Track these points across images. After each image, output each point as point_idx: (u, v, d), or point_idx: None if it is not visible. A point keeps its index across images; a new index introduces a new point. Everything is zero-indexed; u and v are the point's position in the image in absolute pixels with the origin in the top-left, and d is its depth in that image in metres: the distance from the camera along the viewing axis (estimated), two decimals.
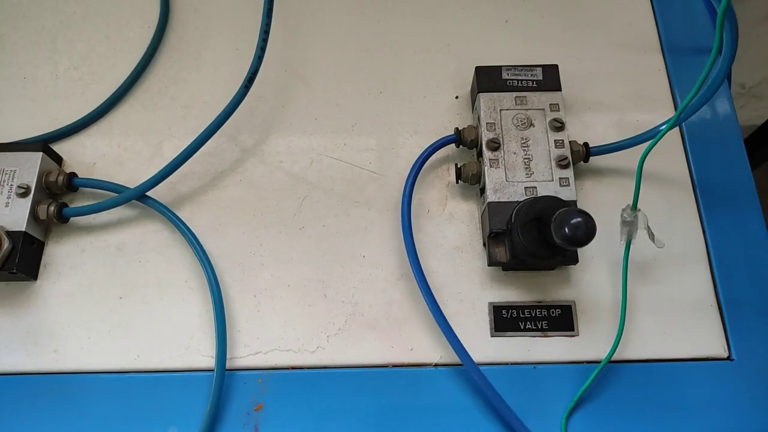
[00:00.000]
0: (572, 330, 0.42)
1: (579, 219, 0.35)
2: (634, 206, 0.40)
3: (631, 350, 0.41)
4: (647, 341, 0.41)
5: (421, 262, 0.43)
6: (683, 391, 0.40)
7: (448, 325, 0.40)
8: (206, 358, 0.41)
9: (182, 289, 0.43)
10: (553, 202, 0.39)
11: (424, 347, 0.41)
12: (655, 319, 0.42)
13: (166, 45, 0.53)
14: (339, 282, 0.44)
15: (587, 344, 0.41)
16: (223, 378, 0.40)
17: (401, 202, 0.44)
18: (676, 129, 0.48)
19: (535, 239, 0.38)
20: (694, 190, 0.47)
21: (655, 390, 0.40)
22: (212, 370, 0.40)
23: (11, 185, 0.43)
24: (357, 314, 0.43)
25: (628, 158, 0.46)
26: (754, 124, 1.06)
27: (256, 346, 0.42)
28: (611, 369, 0.40)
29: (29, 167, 0.44)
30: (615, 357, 0.40)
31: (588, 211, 0.36)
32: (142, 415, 0.40)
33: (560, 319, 0.42)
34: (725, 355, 0.41)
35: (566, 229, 0.35)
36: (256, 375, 0.41)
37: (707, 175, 0.47)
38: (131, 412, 0.40)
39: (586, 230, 0.35)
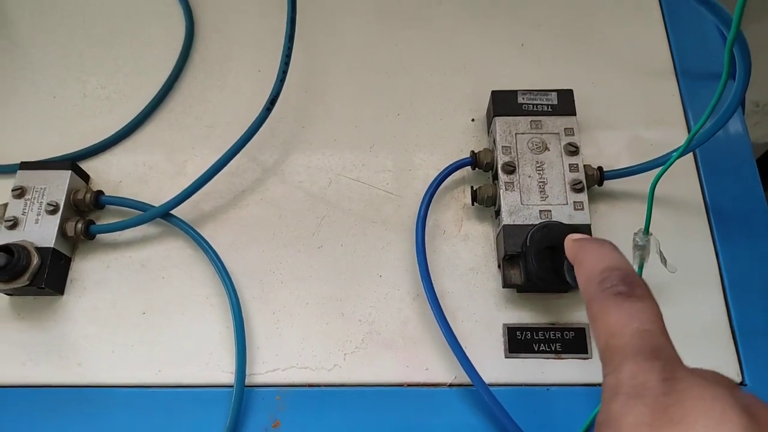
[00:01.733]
0: (586, 352, 0.43)
1: None
2: (646, 230, 0.40)
3: None
4: None
5: (436, 283, 0.43)
6: None
7: (459, 345, 0.41)
8: (226, 374, 0.42)
9: (203, 305, 0.44)
10: (566, 230, 0.40)
11: (439, 367, 0.42)
12: None
13: (191, 66, 0.54)
14: (356, 301, 0.44)
15: (600, 366, 0.42)
16: (243, 394, 0.41)
17: (416, 223, 0.45)
18: (690, 153, 0.49)
19: (548, 267, 0.39)
20: (708, 214, 0.47)
21: None
22: (231, 386, 0.41)
23: (41, 202, 0.45)
24: (373, 333, 0.43)
25: (642, 182, 0.46)
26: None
27: (275, 363, 0.43)
28: None
29: (58, 185, 0.46)
30: None
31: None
32: (162, 430, 0.41)
33: (574, 342, 0.43)
34: (739, 380, 0.41)
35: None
36: (274, 392, 0.42)
37: (720, 199, 0.48)
38: (152, 426, 0.41)
39: None
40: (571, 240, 0.30)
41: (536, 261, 0.39)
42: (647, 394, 0.21)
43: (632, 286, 0.24)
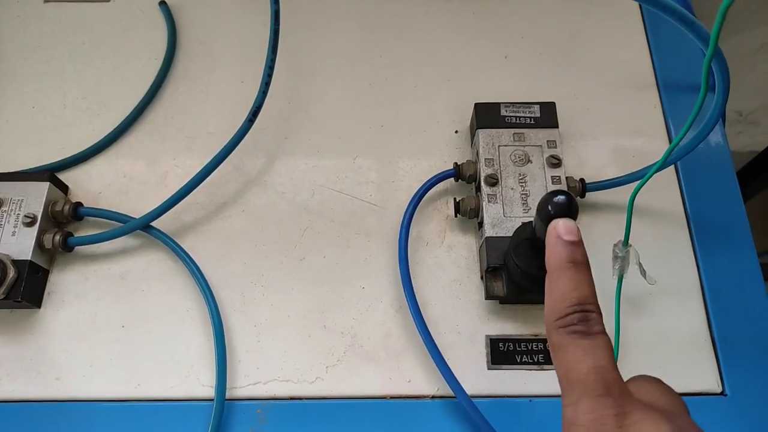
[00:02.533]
0: None
1: (562, 197, 0.32)
2: (626, 242, 0.41)
3: None
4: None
5: (419, 294, 0.43)
6: None
7: (442, 357, 0.41)
8: (206, 388, 0.42)
9: (184, 318, 0.44)
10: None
11: (422, 379, 0.42)
12: (648, 353, 0.43)
13: (173, 76, 0.54)
14: (338, 313, 0.44)
15: None
16: (223, 408, 0.40)
17: (399, 234, 0.45)
18: (671, 166, 0.49)
19: (529, 258, 0.39)
20: (689, 226, 0.47)
21: None
22: (212, 400, 0.41)
23: (18, 214, 0.44)
24: (356, 345, 0.43)
25: (624, 194, 0.46)
26: (753, 150, 1.07)
27: (256, 376, 0.42)
28: None
29: (36, 197, 0.45)
30: None
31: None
32: None
33: None
34: (719, 390, 0.42)
35: (549, 207, 0.32)
36: (255, 405, 0.41)
37: (701, 211, 0.48)
38: None
39: (569, 204, 0.31)
40: (552, 242, 0.29)
41: (516, 256, 0.39)
42: (601, 429, 0.23)
43: (589, 324, 0.26)
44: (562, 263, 0.28)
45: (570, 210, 0.31)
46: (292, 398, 0.42)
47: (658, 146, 0.51)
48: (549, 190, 0.44)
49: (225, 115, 0.52)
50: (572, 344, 0.26)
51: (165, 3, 0.57)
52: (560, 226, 0.29)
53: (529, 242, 0.39)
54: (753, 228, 0.48)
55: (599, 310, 0.27)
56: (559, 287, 0.28)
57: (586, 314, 0.27)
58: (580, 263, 0.28)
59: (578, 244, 0.29)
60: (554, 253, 0.28)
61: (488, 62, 0.55)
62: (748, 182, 1.04)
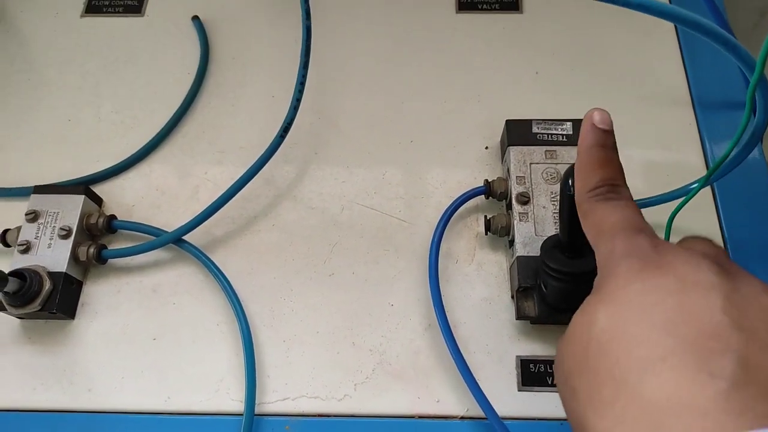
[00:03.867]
0: None
1: None
2: None
3: None
4: None
5: (448, 313, 0.43)
6: None
7: (473, 378, 0.41)
8: (235, 402, 0.42)
9: (214, 332, 0.44)
10: None
11: (451, 399, 0.42)
12: None
13: (205, 91, 0.55)
14: (367, 330, 0.44)
15: None
16: (252, 423, 0.40)
17: (429, 252, 0.45)
18: (708, 187, 0.48)
19: (557, 257, 0.38)
20: (725, 247, 0.46)
21: None
22: (241, 415, 0.41)
23: (54, 227, 0.45)
24: (384, 363, 0.43)
25: (659, 213, 0.46)
26: None
27: (284, 392, 0.42)
28: None
29: (71, 209, 0.46)
30: None
31: None
32: None
33: None
34: None
35: (570, 180, 0.33)
36: (283, 421, 0.41)
37: (738, 231, 0.47)
38: None
39: None
40: (586, 128, 0.30)
41: (545, 258, 0.38)
42: (637, 252, 0.25)
43: (620, 191, 0.28)
44: (593, 145, 0.29)
45: None
46: (320, 415, 0.41)
47: (693, 164, 0.50)
48: None
49: (256, 129, 0.52)
50: (602, 205, 0.28)
51: (198, 18, 0.58)
52: (596, 115, 0.31)
53: (555, 247, 0.38)
54: None
55: (627, 186, 0.29)
56: (589, 165, 0.29)
57: (615, 186, 0.28)
58: (610, 147, 0.30)
59: (610, 133, 0.30)
60: (586, 138, 0.30)
61: (519, 78, 0.54)
62: None
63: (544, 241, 0.40)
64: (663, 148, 0.51)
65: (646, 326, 0.22)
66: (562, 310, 0.40)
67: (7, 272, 0.40)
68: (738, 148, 0.40)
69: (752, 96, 0.31)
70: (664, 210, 0.42)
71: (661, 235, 0.41)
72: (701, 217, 0.47)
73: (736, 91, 0.53)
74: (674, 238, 0.44)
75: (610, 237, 0.27)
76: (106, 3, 0.60)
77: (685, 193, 0.40)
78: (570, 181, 0.32)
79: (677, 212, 0.40)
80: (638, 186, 0.49)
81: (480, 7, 0.58)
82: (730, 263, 0.25)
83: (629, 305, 0.23)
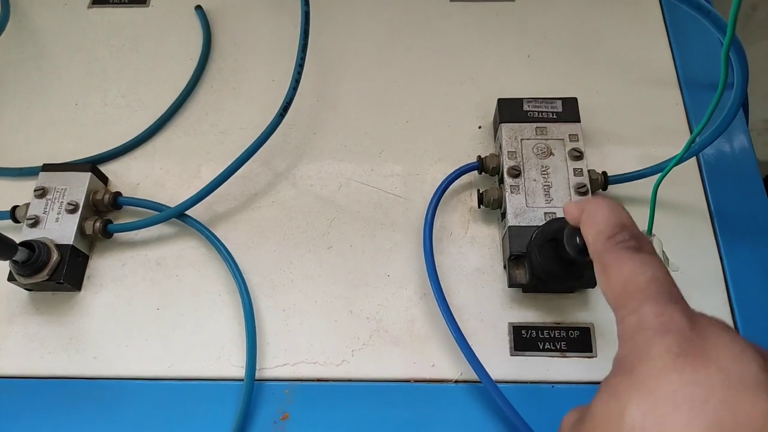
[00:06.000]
0: (590, 351, 0.43)
1: None
2: (649, 231, 0.41)
3: None
4: None
5: (443, 283, 0.44)
6: None
7: (467, 343, 0.42)
8: (236, 368, 0.43)
9: (216, 302, 0.46)
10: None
11: (446, 364, 0.43)
12: None
13: (208, 76, 0.57)
14: (364, 299, 0.45)
15: (605, 365, 0.42)
16: (252, 387, 0.42)
17: (424, 225, 0.46)
18: (693, 160, 0.50)
19: (553, 258, 0.39)
20: (712, 220, 0.48)
21: None
22: (242, 380, 0.42)
23: (62, 202, 0.47)
24: (381, 330, 0.44)
25: (646, 187, 0.47)
26: None
27: (284, 358, 0.44)
28: None
29: (78, 186, 0.47)
30: None
31: None
32: (174, 421, 0.41)
33: (579, 341, 0.43)
34: None
35: (577, 239, 0.35)
36: (283, 386, 0.42)
37: (724, 205, 0.48)
38: (164, 417, 0.42)
39: None
40: (572, 204, 0.30)
41: (540, 254, 0.40)
42: (674, 329, 0.22)
43: (641, 242, 0.26)
44: (588, 203, 0.29)
45: None
46: (318, 380, 0.43)
47: (680, 142, 0.51)
48: (571, 183, 0.45)
49: (256, 111, 0.54)
50: (628, 258, 0.25)
51: (201, 7, 0.60)
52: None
53: (553, 243, 0.40)
54: None
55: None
56: (600, 215, 0.27)
57: (634, 232, 0.26)
58: (607, 199, 0.29)
59: None
60: (573, 208, 0.30)
61: (511, 61, 0.56)
62: None
63: (542, 230, 0.41)
64: (651, 127, 0.52)
65: (687, 429, 0.20)
66: (551, 274, 0.41)
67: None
68: (718, 119, 0.41)
69: (726, 59, 0.32)
70: (652, 183, 0.43)
71: (647, 208, 0.42)
72: (687, 190, 0.49)
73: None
74: (661, 210, 0.46)
75: (639, 303, 0.24)
76: None
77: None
78: (577, 239, 0.32)
79: (659, 183, 0.41)
80: (629, 165, 0.50)
81: None
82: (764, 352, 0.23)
83: (667, 400, 0.21)
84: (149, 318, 0.45)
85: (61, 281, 0.44)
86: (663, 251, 0.42)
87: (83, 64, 0.58)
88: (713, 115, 0.36)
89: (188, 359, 0.44)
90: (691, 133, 0.52)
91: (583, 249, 0.35)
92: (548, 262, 0.39)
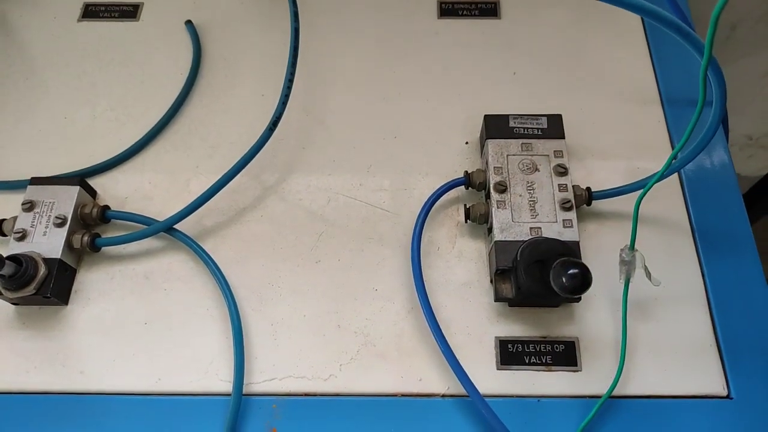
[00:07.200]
0: (575, 365, 0.44)
1: (576, 270, 0.37)
2: (632, 246, 0.42)
3: (632, 386, 0.43)
4: (648, 378, 0.43)
5: (430, 297, 0.45)
6: (682, 427, 0.41)
7: (455, 357, 0.42)
8: (224, 383, 0.43)
9: (204, 316, 0.46)
10: (555, 245, 0.42)
11: (433, 378, 0.43)
12: (655, 356, 0.44)
13: (197, 90, 0.57)
14: (352, 313, 0.46)
15: (589, 379, 0.43)
16: (240, 402, 0.42)
17: (411, 240, 0.47)
18: (675, 176, 0.51)
19: (538, 279, 0.40)
20: (693, 235, 0.49)
21: (655, 425, 0.41)
22: (229, 395, 0.42)
23: (49, 215, 0.47)
24: (369, 344, 0.45)
25: (629, 203, 0.48)
26: (764, 174, 1.08)
27: (272, 373, 0.44)
28: (612, 404, 0.42)
29: (66, 200, 0.48)
30: (616, 392, 0.41)
31: (590, 258, 0.38)
32: None
33: (564, 355, 0.44)
34: (724, 393, 0.42)
35: (564, 279, 0.37)
36: (270, 400, 0.43)
37: (705, 221, 0.49)
38: None
39: (582, 281, 0.37)
40: None
41: (526, 274, 0.41)
42: None
43: None
44: None
45: (584, 287, 0.37)
46: (306, 394, 0.43)
47: (663, 158, 0.52)
48: (556, 199, 0.46)
49: (245, 126, 0.54)
50: None
51: (191, 22, 0.60)
52: None
53: (539, 265, 0.41)
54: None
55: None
56: None
57: None
58: None
59: None
60: None
61: (497, 78, 0.57)
62: (756, 204, 1.05)
63: (529, 251, 0.42)
64: (634, 144, 0.53)
65: None
66: (536, 294, 0.42)
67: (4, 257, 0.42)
68: (698, 136, 0.42)
69: (704, 79, 0.33)
70: (632, 199, 0.44)
71: (630, 223, 0.43)
72: (669, 205, 0.50)
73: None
74: (643, 226, 0.47)
75: None
76: (103, 8, 0.62)
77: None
78: (563, 279, 0.36)
79: (641, 198, 0.42)
80: (612, 180, 0.51)
81: (460, 13, 0.61)
82: None
83: None
84: (137, 332, 0.45)
85: (48, 295, 0.44)
86: (645, 266, 0.43)
87: (72, 77, 0.58)
88: (693, 132, 0.37)
89: (176, 374, 0.44)
90: (672, 149, 0.53)
91: (570, 289, 0.37)
92: (534, 283, 0.40)
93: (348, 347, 0.44)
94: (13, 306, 0.46)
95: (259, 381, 0.43)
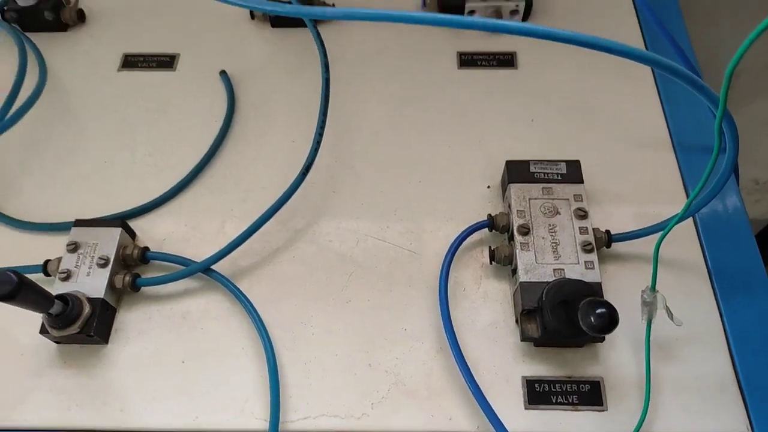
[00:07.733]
0: (601, 405, 0.45)
1: (603, 310, 0.39)
2: (653, 287, 0.44)
3: (658, 425, 0.44)
4: (672, 417, 0.44)
5: (458, 337, 0.46)
6: None
7: (484, 397, 0.44)
8: (259, 421, 0.45)
9: (240, 355, 0.47)
10: (580, 286, 0.43)
11: (463, 417, 0.44)
12: (678, 395, 0.45)
13: (231, 137, 0.60)
14: (382, 353, 0.47)
15: (615, 419, 0.44)
16: None
17: (439, 281, 0.49)
18: (690, 219, 0.53)
19: (564, 320, 0.42)
20: (710, 276, 0.50)
21: None
22: None
23: (93, 256, 0.49)
24: (399, 383, 0.46)
25: (648, 245, 0.50)
26: None
27: (306, 411, 0.45)
28: None
29: (109, 241, 0.50)
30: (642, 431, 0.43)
31: (611, 299, 0.40)
32: None
33: (589, 394, 0.45)
34: (748, 431, 0.43)
35: (592, 318, 0.39)
36: None
37: (721, 262, 0.51)
38: None
39: (610, 320, 0.39)
40: None
41: (552, 314, 0.43)
42: None
43: None
44: None
45: (611, 326, 0.38)
46: None
47: (677, 202, 0.54)
48: (577, 241, 0.48)
49: (277, 171, 0.57)
50: None
51: (225, 72, 0.64)
52: None
53: (564, 305, 0.43)
54: None
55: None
56: None
57: None
58: None
59: None
60: None
61: (516, 125, 0.60)
62: (766, 245, 1.06)
63: (554, 291, 0.44)
64: (650, 187, 0.55)
65: None
66: (562, 334, 0.44)
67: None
68: (712, 182, 0.45)
69: (719, 129, 0.35)
70: (652, 241, 0.46)
71: (648, 264, 0.45)
72: (685, 247, 0.51)
73: (711, 136, 0.58)
74: (662, 267, 0.49)
75: None
76: (141, 59, 0.66)
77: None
78: (591, 319, 0.38)
79: (662, 240, 0.44)
80: (628, 224, 0.53)
81: (479, 63, 0.65)
82: None
83: None
84: (175, 371, 0.47)
85: (92, 334, 0.46)
86: (667, 306, 0.44)
87: (112, 123, 0.61)
88: (707, 178, 0.39)
89: (213, 412, 0.45)
90: (686, 192, 0.55)
91: (598, 327, 0.38)
92: (560, 323, 0.42)
93: (379, 386, 0.46)
94: (56, 344, 0.48)
95: (294, 419, 0.45)
